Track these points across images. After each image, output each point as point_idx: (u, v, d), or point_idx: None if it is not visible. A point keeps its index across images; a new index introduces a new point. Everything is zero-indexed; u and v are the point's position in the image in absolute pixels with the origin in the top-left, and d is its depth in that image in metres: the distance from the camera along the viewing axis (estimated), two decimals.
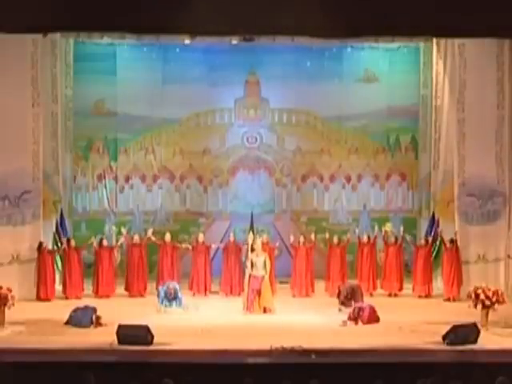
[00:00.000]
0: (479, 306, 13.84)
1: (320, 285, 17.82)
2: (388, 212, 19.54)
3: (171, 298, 15.82)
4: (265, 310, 15.63)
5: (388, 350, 12.55)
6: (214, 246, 17.88)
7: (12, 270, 16.20)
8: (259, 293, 15.66)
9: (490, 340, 13.16)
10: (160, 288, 16.10)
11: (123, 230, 17.89)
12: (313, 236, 17.78)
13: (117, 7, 12.75)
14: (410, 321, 14.86)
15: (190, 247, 17.69)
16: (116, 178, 19.45)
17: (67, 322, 14.24)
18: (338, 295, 16.13)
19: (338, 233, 18.67)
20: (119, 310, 15.82)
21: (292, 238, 17.79)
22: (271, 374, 11.40)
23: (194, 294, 17.48)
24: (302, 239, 17.90)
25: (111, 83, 19.01)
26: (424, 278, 17.59)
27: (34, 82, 17.13)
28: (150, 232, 17.75)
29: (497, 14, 12.84)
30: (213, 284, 17.91)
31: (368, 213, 19.50)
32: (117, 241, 18.18)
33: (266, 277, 15.84)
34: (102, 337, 13.27)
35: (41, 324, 14.18)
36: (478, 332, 13.05)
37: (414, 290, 17.74)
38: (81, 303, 15.80)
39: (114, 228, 18.72)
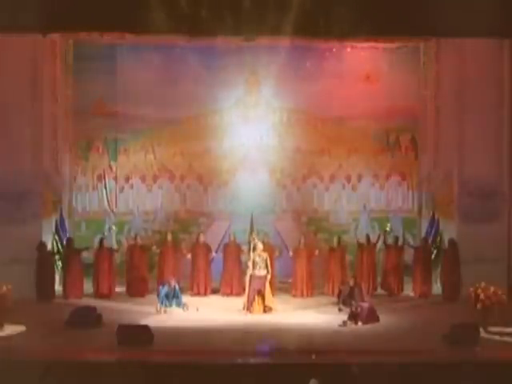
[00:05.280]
0: (479, 306, 13.83)
1: (320, 285, 17.83)
2: (388, 212, 19.51)
3: (172, 294, 15.82)
4: (265, 310, 15.64)
5: (388, 351, 12.55)
6: (215, 254, 17.95)
7: (12, 270, 16.19)
8: (260, 293, 15.66)
9: (489, 340, 13.17)
10: (160, 287, 16.10)
11: (124, 241, 18.41)
12: (316, 250, 17.82)
13: (117, 7, 12.78)
14: (410, 321, 14.89)
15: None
16: (116, 178, 19.42)
17: (67, 322, 14.23)
18: (339, 295, 16.16)
19: (338, 233, 18.72)
20: (119, 309, 15.83)
21: (291, 253, 17.80)
22: (271, 373, 11.41)
23: (194, 294, 17.50)
24: (302, 240, 17.93)
25: (111, 83, 18.99)
26: (424, 278, 17.62)
27: (33, 81, 17.16)
28: (154, 248, 18.10)
29: (497, 14, 12.86)
30: (213, 284, 17.94)
31: (368, 213, 19.48)
32: (117, 241, 18.21)
33: (269, 276, 15.86)
34: (102, 337, 13.28)
35: (41, 324, 14.17)
36: (478, 332, 13.06)
37: (413, 290, 17.77)
38: (81, 303, 15.85)
39: (114, 228, 18.74)
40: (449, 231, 17.94)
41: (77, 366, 11.36)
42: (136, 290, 17.53)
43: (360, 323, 14.49)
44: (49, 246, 17.56)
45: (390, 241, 18.01)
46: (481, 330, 13.25)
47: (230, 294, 17.60)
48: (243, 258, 17.46)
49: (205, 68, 19.08)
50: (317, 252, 17.85)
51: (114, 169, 19.42)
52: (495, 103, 17.39)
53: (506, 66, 17.36)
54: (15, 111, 16.87)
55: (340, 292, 16.22)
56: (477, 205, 17.38)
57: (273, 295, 16.10)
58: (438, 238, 18.16)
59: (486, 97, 17.30)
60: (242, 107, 19.44)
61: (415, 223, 19.42)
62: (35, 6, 12.74)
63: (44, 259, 17.11)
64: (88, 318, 14.24)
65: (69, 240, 17.79)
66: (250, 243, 16.22)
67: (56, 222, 18.03)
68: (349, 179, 19.62)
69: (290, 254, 17.84)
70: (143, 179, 19.51)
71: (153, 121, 19.25)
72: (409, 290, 17.84)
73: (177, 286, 16.03)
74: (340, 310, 15.61)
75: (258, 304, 15.63)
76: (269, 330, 14.05)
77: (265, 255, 15.97)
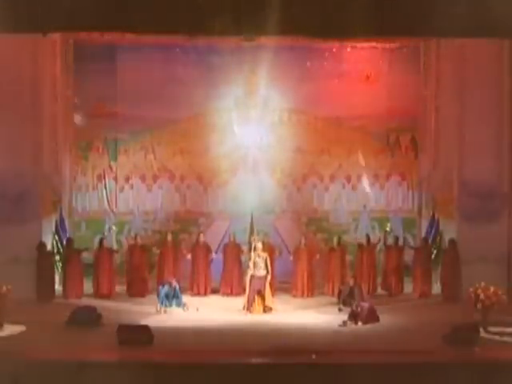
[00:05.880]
0: (479, 306, 13.82)
1: (320, 285, 17.83)
2: (388, 212, 19.51)
3: (172, 294, 15.82)
4: (265, 310, 15.64)
5: (388, 351, 12.55)
6: (214, 256, 17.95)
7: (12, 270, 16.18)
8: (260, 293, 15.67)
9: (489, 340, 13.17)
10: (160, 287, 16.10)
11: (124, 241, 18.59)
12: (317, 255, 17.84)
13: (117, 7, 12.76)
14: (410, 321, 14.89)
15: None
16: (116, 178, 19.42)
17: (68, 322, 14.24)
18: (339, 295, 16.16)
19: (338, 233, 18.72)
20: (119, 309, 15.84)
21: (291, 257, 17.82)
22: (271, 374, 11.42)
23: (194, 294, 17.50)
24: (303, 240, 17.93)
25: (111, 83, 18.98)
26: (424, 278, 17.63)
27: (34, 81, 17.16)
28: (154, 249, 18.15)
29: (496, 14, 12.85)
30: (213, 284, 17.94)
31: (368, 213, 19.48)
32: (117, 241, 18.23)
33: (269, 277, 15.86)
34: (102, 337, 13.28)
35: (41, 324, 14.16)
36: (478, 332, 13.06)
37: (414, 290, 17.78)
38: (81, 303, 15.85)
39: (114, 228, 18.74)
40: (449, 231, 17.94)
41: (77, 366, 11.35)
42: (136, 290, 17.53)
43: (360, 323, 14.50)
44: (49, 246, 17.56)
45: (390, 241, 18.03)
46: (481, 329, 13.25)
47: (230, 293, 17.60)
48: (243, 258, 17.47)
49: (205, 68, 19.08)
50: (318, 256, 17.86)
51: (114, 169, 19.41)
52: (495, 103, 17.38)
53: (505, 66, 17.35)
54: (15, 111, 16.86)
55: (340, 292, 16.22)
56: (477, 205, 17.36)
57: (273, 295, 16.11)
58: (438, 238, 18.17)
59: (486, 97, 17.29)
60: (241, 107, 19.43)
61: (415, 223, 19.43)
62: (35, 6, 12.71)
63: (44, 259, 17.11)
64: (88, 318, 14.24)
65: (69, 240, 17.79)
66: (250, 243, 16.23)
67: (56, 222, 18.03)
68: (349, 179, 19.61)
69: (291, 258, 17.87)
70: (143, 179, 19.49)
71: (153, 121, 19.24)
72: (409, 290, 17.84)
73: (177, 286, 16.03)
74: (340, 310, 15.61)
75: (257, 304, 15.64)
76: (269, 330, 14.06)
77: (265, 255, 15.98)
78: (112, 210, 19.33)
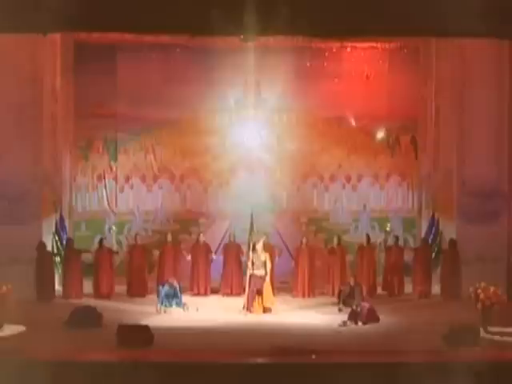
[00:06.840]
0: (479, 306, 13.82)
1: (320, 285, 17.83)
2: (388, 212, 19.50)
3: (172, 294, 15.82)
4: (265, 310, 15.64)
5: (388, 351, 12.54)
6: (214, 257, 17.93)
7: (12, 270, 16.18)
8: (260, 292, 15.67)
9: (489, 340, 13.17)
10: (160, 287, 16.10)
11: (124, 241, 18.63)
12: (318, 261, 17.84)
13: (117, 7, 12.77)
14: (410, 321, 14.88)
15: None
16: (116, 178, 19.42)
17: (68, 322, 14.22)
18: (339, 295, 16.16)
19: (338, 233, 18.71)
20: (119, 309, 15.84)
21: (293, 262, 17.82)
22: (271, 374, 11.41)
23: (194, 294, 17.50)
24: (304, 240, 17.93)
25: (111, 83, 18.99)
26: (424, 278, 17.63)
27: (34, 82, 17.16)
28: (154, 251, 18.15)
29: (496, 14, 12.85)
30: (213, 284, 17.93)
31: (368, 213, 19.48)
32: (117, 241, 18.23)
33: (267, 277, 15.85)
34: (102, 337, 13.28)
35: (41, 324, 14.16)
36: (478, 332, 13.05)
37: (414, 290, 17.78)
38: (81, 303, 15.84)
39: (114, 228, 18.74)
40: (449, 231, 17.95)
41: (77, 365, 11.35)
42: (136, 290, 17.54)
43: (360, 323, 14.49)
44: (49, 246, 17.56)
45: (390, 241, 18.04)
46: (481, 329, 13.25)
47: (230, 294, 17.60)
48: (243, 258, 17.46)
49: (205, 68, 19.07)
50: (318, 257, 17.85)
51: (114, 169, 19.41)
52: (495, 103, 17.39)
53: (506, 66, 17.36)
54: (15, 111, 16.86)
55: (340, 292, 16.21)
56: (477, 205, 17.38)
57: (273, 295, 16.10)
58: (438, 238, 18.17)
59: (485, 97, 17.30)
60: (241, 107, 19.42)
61: (415, 223, 19.43)
62: (35, 6, 12.73)
63: (44, 259, 17.11)
64: (88, 318, 14.23)
65: (69, 240, 17.80)
66: (249, 243, 16.22)
67: (56, 222, 18.03)
68: (349, 179, 19.61)
69: (292, 259, 17.87)
70: (143, 179, 19.49)
71: (153, 121, 19.23)
72: (409, 290, 17.84)
73: (177, 286, 16.02)
74: (340, 310, 15.59)
75: (257, 304, 15.64)
76: (269, 330, 14.06)
77: (264, 255, 15.97)
78: (112, 210, 19.32)
